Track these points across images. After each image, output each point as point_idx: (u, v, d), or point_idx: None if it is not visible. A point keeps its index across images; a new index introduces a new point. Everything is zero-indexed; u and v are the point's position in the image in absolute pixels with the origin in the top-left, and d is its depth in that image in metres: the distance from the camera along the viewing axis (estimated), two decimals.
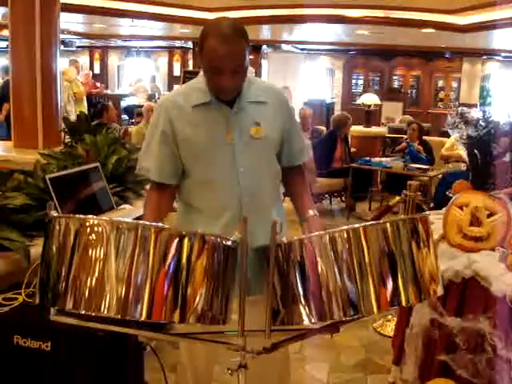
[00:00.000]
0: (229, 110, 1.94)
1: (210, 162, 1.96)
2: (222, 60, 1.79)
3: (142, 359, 2.41)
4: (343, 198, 7.48)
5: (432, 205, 6.01)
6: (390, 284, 1.43)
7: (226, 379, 1.63)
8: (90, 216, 1.42)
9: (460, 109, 2.84)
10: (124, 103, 13.62)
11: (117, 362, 2.18)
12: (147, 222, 1.47)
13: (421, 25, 8.53)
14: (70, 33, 13.09)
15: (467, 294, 2.42)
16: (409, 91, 16.09)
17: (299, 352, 3.39)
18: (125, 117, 12.82)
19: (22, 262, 2.36)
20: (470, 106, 9.22)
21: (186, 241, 1.40)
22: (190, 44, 15.27)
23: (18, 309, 2.16)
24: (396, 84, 16.37)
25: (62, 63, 5.10)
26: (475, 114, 2.77)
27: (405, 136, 7.32)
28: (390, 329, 3.66)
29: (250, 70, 2.16)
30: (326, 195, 7.32)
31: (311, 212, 2.07)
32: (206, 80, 1.90)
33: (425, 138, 7.39)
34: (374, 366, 3.33)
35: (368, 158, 6.87)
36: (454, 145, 6.75)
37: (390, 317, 3.80)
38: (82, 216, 1.42)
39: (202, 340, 1.68)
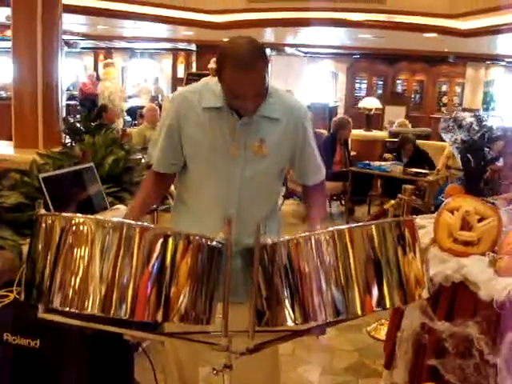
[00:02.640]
0: (237, 120, 1.90)
1: (208, 167, 1.97)
2: (244, 88, 1.76)
3: (131, 357, 2.42)
4: (342, 202, 7.48)
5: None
6: (374, 286, 1.43)
7: (215, 380, 1.63)
8: (76, 214, 1.43)
9: (455, 113, 2.85)
10: (127, 104, 13.66)
11: (106, 360, 2.20)
12: (132, 222, 1.47)
13: (423, 29, 8.54)
14: (73, 34, 13.15)
15: (457, 298, 2.42)
16: (412, 96, 16.07)
17: (291, 354, 3.39)
18: (127, 118, 12.85)
19: (14, 260, 2.38)
20: (473, 111, 9.22)
21: (170, 240, 1.41)
22: (193, 46, 15.30)
23: (9, 306, 2.18)
24: (399, 88, 16.36)
25: (65, 64, 5.13)
26: (470, 118, 2.76)
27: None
28: (383, 333, 3.65)
29: None
30: (326, 198, 7.31)
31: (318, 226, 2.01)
32: (228, 100, 1.86)
33: (419, 142, 7.31)
34: (366, 369, 3.33)
35: (367, 162, 6.86)
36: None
37: (383, 321, 3.80)
38: (68, 214, 1.43)
39: (187, 339, 1.69)
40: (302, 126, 2.02)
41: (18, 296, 2.23)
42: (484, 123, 2.67)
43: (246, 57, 1.74)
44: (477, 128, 2.66)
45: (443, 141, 7.79)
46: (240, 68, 1.73)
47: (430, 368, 2.47)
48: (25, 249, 2.43)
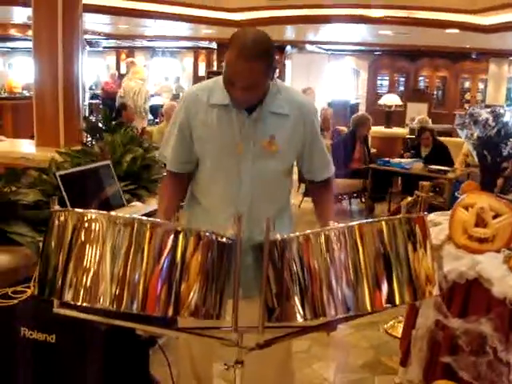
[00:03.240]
0: (246, 116, 1.92)
1: (218, 164, 1.99)
2: (235, 75, 1.78)
3: (147, 352, 2.45)
4: (362, 199, 7.45)
5: None
6: (384, 282, 1.43)
7: (231, 376, 1.65)
8: (89, 210, 1.45)
9: (471, 108, 2.82)
10: (149, 103, 13.73)
11: (121, 355, 2.23)
12: (144, 218, 1.49)
13: (443, 25, 8.45)
14: (95, 33, 13.28)
15: (471, 295, 2.40)
16: (435, 92, 15.92)
17: (307, 351, 3.39)
18: (149, 116, 12.93)
19: (32, 257, 2.42)
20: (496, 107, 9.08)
21: (181, 237, 1.42)
22: (214, 45, 15.36)
23: (26, 302, 2.22)
24: (422, 85, 16.22)
25: (87, 63, 5.18)
26: (486, 114, 2.73)
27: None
28: (400, 330, 3.62)
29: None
30: (345, 196, 7.30)
31: (331, 223, 1.98)
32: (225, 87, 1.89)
33: (441, 139, 7.26)
34: (382, 366, 3.32)
35: (387, 159, 6.81)
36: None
37: (400, 318, 3.77)
38: (80, 210, 1.45)
39: (198, 334, 1.71)
40: (311, 122, 2.03)
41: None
42: (500, 119, 2.64)
43: (247, 47, 1.76)
44: (493, 124, 2.63)
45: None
46: (238, 53, 1.75)
47: (444, 365, 2.46)
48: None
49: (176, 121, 2.04)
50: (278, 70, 1.99)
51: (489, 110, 2.74)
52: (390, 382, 3.09)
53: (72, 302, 1.40)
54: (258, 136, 1.94)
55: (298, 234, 1.53)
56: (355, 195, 7.43)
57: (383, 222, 1.48)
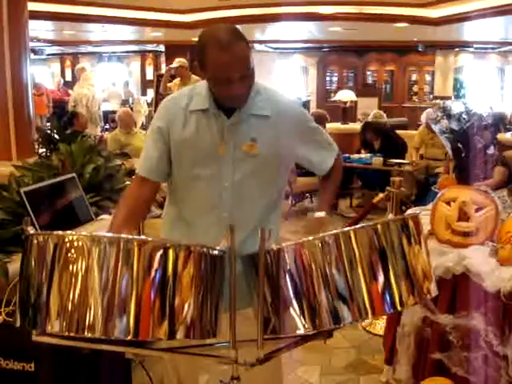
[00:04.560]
0: (225, 120, 1.85)
1: (197, 170, 1.90)
2: (228, 69, 1.70)
3: (129, 374, 2.35)
4: None
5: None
6: (383, 286, 1.38)
7: None
8: (69, 232, 1.34)
9: (442, 102, 2.81)
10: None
11: (103, 379, 2.12)
12: (130, 236, 1.39)
13: (394, 19, 8.57)
14: (39, 40, 12.90)
15: (458, 290, 2.39)
16: (383, 86, 16.15)
17: (290, 356, 3.32)
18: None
19: (0, 279, 2.27)
20: (444, 98, 9.30)
21: (170, 252, 1.34)
22: (161, 47, 15.14)
23: None
24: (370, 79, 16.44)
25: (32, 72, 4.97)
26: (456, 107, 2.73)
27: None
28: (379, 327, 3.62)
29: None
30: (307, 194, 7.28)
31: (318, 213, 2.04)
32: (215, 91, 1.81)
33: (389, 130, 7.35)
34: (365, 366, 3.29)
35: (347, 155, 6.82)
36: (423, 141, 6.79)
37: None
38: (60, 232, 1.34)
39: (193, 354, 1.62)
40: (298, 121, 1.97)
41: (6, 317, 2.13)
42: (473, 112, 2.64)
43: (225, 36, 1.70)
44: (466, 117, 2.63)
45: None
46: (221, 48, 1.69)
47: (434, 362, 2.44)
48: (10, 267, 2.32)
49: (154, 128, 1.94)
50: None
51: (459, 102, 2.74)
52: (375, 381, 3.06)
53: (58, 333, 1.29)
54: (239, 139, 1.87)
55: (292, 242, 1.46)
56: (317, 193, 7.43)
57: (379, 226, 1.43)
